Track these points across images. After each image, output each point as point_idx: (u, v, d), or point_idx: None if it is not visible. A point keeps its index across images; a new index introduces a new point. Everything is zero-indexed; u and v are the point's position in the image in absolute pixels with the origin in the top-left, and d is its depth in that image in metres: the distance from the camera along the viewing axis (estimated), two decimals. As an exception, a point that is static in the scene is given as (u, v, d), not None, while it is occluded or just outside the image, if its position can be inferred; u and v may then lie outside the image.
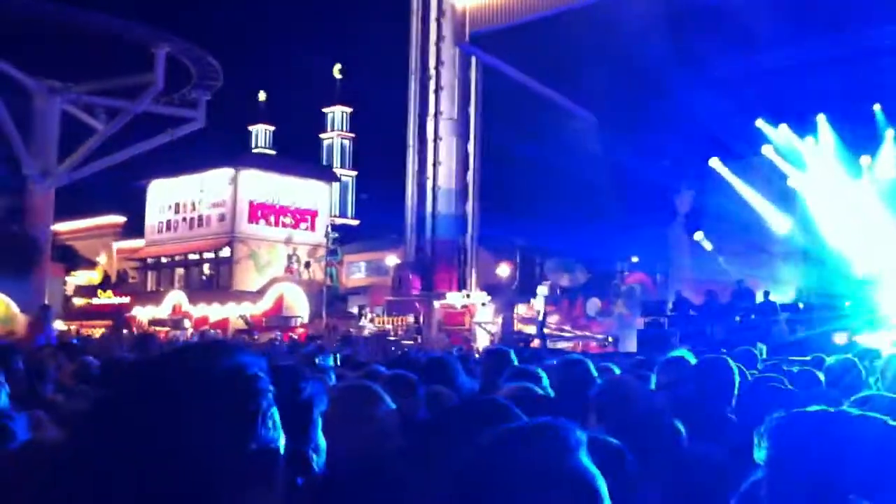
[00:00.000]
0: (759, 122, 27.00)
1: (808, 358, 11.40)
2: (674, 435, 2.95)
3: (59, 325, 33.61)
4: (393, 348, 24.26)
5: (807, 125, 26.24)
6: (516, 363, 5.24)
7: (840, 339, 20.57)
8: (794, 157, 26.79)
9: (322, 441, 2.27)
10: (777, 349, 17.86)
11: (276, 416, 1.35)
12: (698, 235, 27.94)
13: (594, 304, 28.21)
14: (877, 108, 25.15)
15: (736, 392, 3.78)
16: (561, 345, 26.84)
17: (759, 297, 23.03)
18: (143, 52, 36.81)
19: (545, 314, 27.88)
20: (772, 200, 26.97)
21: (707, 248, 27.52)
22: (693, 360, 4.23)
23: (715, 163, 27.66)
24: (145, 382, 1.27)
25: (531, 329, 29.09)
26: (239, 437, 1.26)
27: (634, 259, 28.34)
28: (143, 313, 44.02)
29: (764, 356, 9.92)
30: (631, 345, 23.72)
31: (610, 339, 19.87)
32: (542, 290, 27.55)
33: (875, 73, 24.30)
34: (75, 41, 34.65)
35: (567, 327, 28.87)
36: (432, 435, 2.40)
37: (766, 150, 27.15)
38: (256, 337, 33.22)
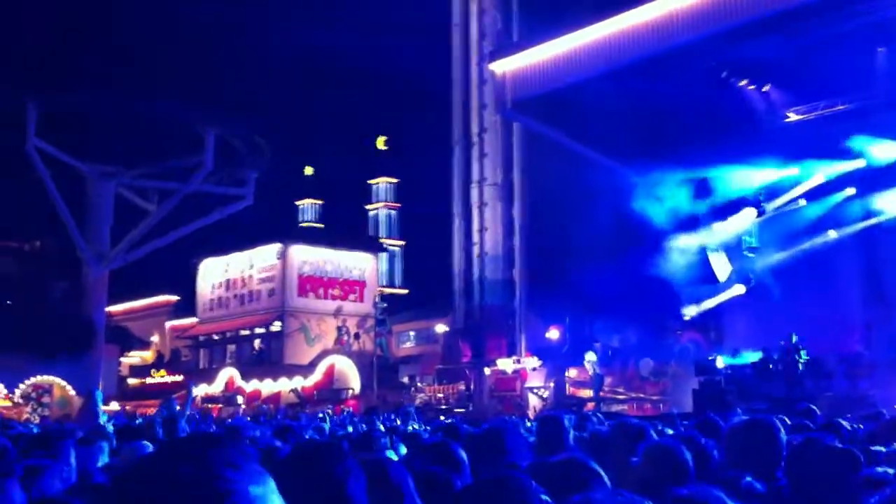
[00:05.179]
0: (794, 171, 26.84)
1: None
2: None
3: (114, 406, 33.96)
4: (442, 417, 24.00)
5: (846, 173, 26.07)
6: (570, 430, 5.09)
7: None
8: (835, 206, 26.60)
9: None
10: (836, 405, 17.37)
11: None
12: (740, 288, 27.57)
13: (647, 364, 27.73)
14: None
15: (784, 453, 3.63)
16: (616, 408, 26.36)
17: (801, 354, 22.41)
18: (193, 134, 37.73)
19: (600, 377, 27.50)
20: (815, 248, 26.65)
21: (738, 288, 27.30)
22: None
23: (749, 213, 27.46)
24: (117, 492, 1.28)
25: (584, 392, 28.65)
26: None
27: (687, 317, 27.89)
28: (196, 391, 44.28)
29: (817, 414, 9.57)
30: (687, 404, 23.20)
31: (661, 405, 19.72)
32: (591, 356, 27.23)
33: None
34: (127, 127, 35.67)
35: (621, 389, 28.38)
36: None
37: (801, 201, 27.12)
38: (308, 410, 33.18)
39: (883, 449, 4.61)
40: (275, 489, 1.31)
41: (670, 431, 7.35)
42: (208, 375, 45.86)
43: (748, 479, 3.47)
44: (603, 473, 2.37)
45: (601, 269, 26.16)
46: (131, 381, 49.22)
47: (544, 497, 1.98)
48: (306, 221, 78.65)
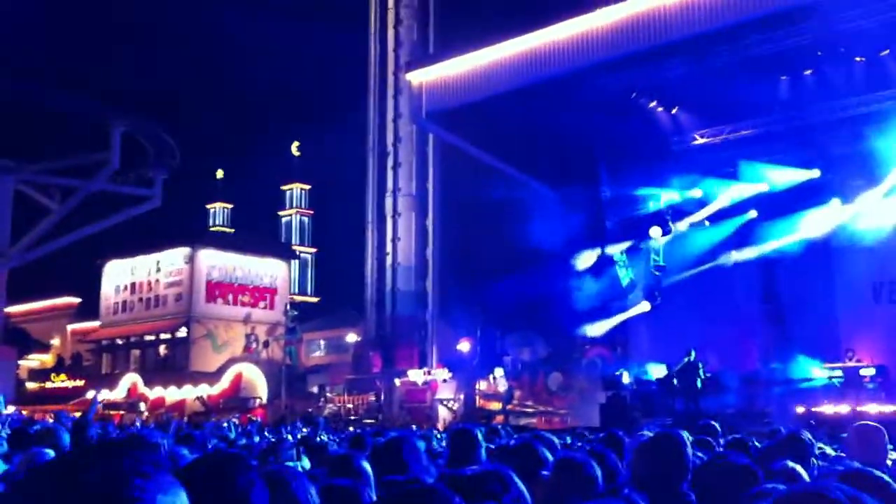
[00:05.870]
0: (699, 192, 27.49)
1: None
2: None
3: (9, 409, 32.65)
4: (352, 427, 23.83)
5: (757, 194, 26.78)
6: (483, 442, 5.09)
7: (801, 409, 20.66)
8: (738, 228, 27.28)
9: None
10: (734, 421, 17.86)
11: None
12: (645, 305, 28.09)
13: (556, 378, 28.07)
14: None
15: (690, 467, 3.71)
16: (524, 421, 26.59)
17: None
18: (99, 131, 36.69)
19: (510, 390, 27.73)
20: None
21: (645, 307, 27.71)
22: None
23: (655, 233, 27.96)
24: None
25: (494, 405, 28.83)
26: None
27: (593, 333, 28.32)
28: (98, 397, 43.01)
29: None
30: (594, 419, 23.56)
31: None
32: (499, 371, 27.49)
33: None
34: (30, 120, 34.55)
35: (530, 402, 28.65)
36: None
37: (706, 222, 27.77)
38: (215, 419, 32.54)
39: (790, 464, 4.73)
40: (185, 500, 1.28)
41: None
42: (111, 381, 44.58)
43: (648, 494, 3.52)
44: (522, 486, 2.36)
45: (513, 282, 26.41)
46: (30, 384, 47.54)
47: None
48: (217, 226, 77.30)
